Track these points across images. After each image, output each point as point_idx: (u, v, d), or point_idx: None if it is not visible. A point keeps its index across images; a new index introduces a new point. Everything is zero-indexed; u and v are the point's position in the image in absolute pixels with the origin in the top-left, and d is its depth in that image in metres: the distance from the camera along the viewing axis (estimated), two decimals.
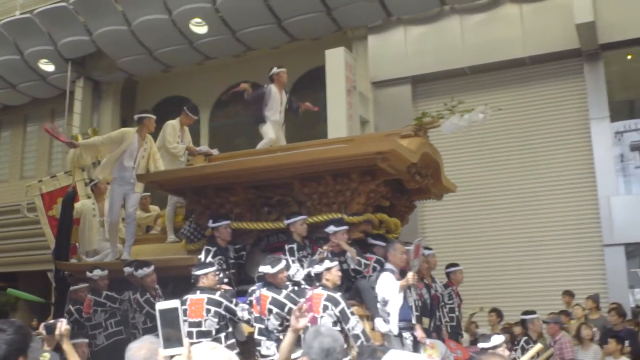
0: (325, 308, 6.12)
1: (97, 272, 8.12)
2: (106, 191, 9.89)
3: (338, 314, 6.09)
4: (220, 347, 2.31)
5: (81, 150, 9.21)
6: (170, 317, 2.16)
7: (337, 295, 6.20)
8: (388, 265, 6.89)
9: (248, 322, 6.55)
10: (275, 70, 9.29)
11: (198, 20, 15.46)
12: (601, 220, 12.86)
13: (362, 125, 14.32)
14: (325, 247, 6.95)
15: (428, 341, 6.73)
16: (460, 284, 8.50)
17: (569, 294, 11.24)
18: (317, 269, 6.40)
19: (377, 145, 6.98)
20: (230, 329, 6.48)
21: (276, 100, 9.18)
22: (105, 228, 9.62)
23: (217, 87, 17.65)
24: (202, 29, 15.63)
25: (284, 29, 15.16)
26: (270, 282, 6.39)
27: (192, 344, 2.17)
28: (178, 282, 7.77)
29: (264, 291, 6.37)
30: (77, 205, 9.83)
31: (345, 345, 5.51)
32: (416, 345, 6.57)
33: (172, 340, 2.14)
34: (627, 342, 8.85)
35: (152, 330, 6.99)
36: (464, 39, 14.37)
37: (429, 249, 7.97)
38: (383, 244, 7.44)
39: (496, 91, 14.06)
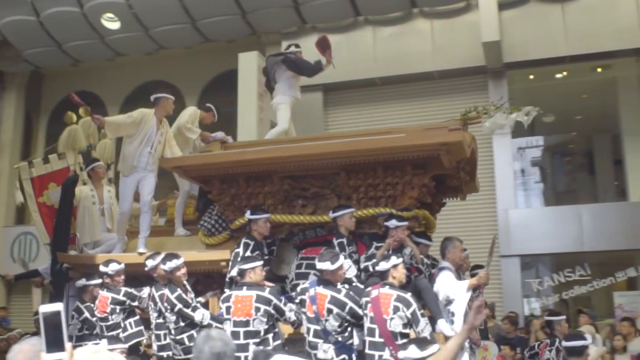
0: (396, 309, 5.59)
1: (114, 266, 7.29)
2: (105, 176, 9.25)
3: (409, 315, 5.57)
4: (104, 351, 2.29)
5: (106, 129, 8.23)
6: (54, 320, 2.15)
7: (408, 296, 5.67)
8: (445, 264, 6.48)
9: (293, 324, 6.15)
10: (293, 49, 9.13)
11: (110, 15, 15.09)
12: (499, 232, 13.33)
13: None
14: (389, 241, 6.45)
15: (482, 343, 6.48)
16: (486, 286, 8.36)
17: None
18: (382, 265, 5.84)
19: (442, 136, 6.52)
20: (277, 329, 6.00)
21: (297, 77, 9.03)
22: (106, 217, 8.94)
23: (127, 84, 17.34)
24: (114, 25, 15.27)
25: (198, 29, 15.04)
26: (327, 280, 5.85)
27: (74, 347, 2.18)
28: (198, 278, 7.42)
29: (321, 289, 5.82)
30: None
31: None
32: (472, 348, 6.24)
33: (54, 344, 2.14)
34: (518, 349, 9.24)
35: (184, 330, 6.51)
36: (376, 51, 14.65)
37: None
38: (428, 242, 7.13)
39: (405, 103, 14.38)
